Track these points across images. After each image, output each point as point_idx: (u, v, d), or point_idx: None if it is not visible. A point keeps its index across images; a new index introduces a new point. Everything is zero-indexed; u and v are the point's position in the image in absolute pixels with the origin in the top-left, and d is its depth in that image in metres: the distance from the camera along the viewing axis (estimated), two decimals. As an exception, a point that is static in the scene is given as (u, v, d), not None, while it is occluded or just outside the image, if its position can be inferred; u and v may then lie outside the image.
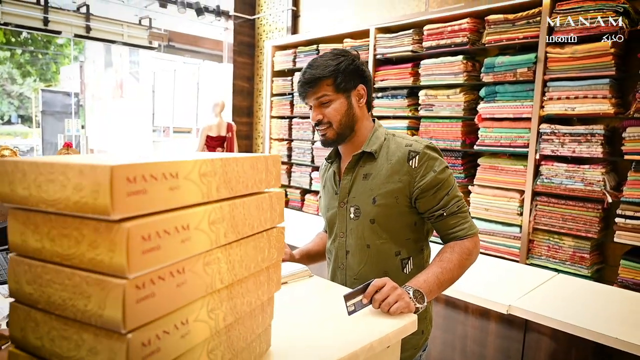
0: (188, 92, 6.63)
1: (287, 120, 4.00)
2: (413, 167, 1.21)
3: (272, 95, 4.13)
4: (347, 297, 1.00)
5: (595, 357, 1.66)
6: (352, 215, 1.28)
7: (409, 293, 1.08)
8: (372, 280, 1.06)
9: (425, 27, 2.93)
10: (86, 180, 0.48)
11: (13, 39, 12.54)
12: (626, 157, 2.22)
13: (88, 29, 4.47)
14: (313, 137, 3.76)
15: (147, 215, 0.50)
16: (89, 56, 9.60)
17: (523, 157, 2.58)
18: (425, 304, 1.10)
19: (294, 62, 3.89)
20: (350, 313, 0.99)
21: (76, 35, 4.52)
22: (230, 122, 4.29)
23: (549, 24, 2.39)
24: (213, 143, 4.19)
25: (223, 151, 4.25)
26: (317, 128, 1.27)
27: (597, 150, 2.30)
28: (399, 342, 1.01)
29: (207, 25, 4.57)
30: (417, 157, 1.22)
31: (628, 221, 2.21)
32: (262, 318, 0.75)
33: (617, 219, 2.24)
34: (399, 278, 1.23)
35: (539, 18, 2.43)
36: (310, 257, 1.49)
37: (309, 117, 3.74)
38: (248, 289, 0.68)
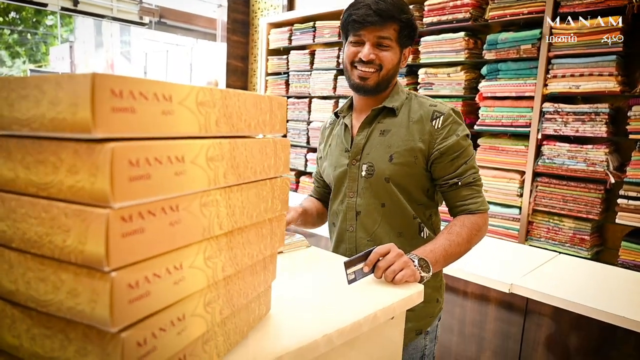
0: (181, 73, 6.50)
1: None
2: (436, 127, 1.16)
3: (267, 74, 4.03)
4: (347, 265, 0.93)
5: (599, 336, 1.63)
6: (364, 173, 1.21)
7: (413, 261, 1.01)
8: (374, 247, 0.99)
9: (427, 3, 2.85)
10: (63, 93, 0.41)
11: (1, 19, 12.23)
12: (631, 136, 2.17)
13: (75, 2, 4.32)
14: (309, 117, 3.68)
15: (135, 139, 0.43)
16: (79, 36, 9.37)
17: (524, 137, 2.52)
18: (430, 274, 1.03)
19: (290, 40, 3.79)
20: (350, 282, 0.92)
21: (63, 9, 4.36)
22: (224, 101, 4.19)
23: (555, -2, 2.32)
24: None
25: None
26: (361, 68, 1.17)
27: (601, 130, 2.25)
28: (403, 313, 0.95)
29: (200, 2, 4.44)
30: (441, 118, 1.17)
31: (630, 202, 2.17)
32: (263, 275, 0.68)
33: (619, 200, 2.20)
34: (416, 241, 1.19)
35: (544, -8, 2.36)
36: (305, 218, 1.37)
37: (304, 97, 3.71)
38: (249, 239, 0.62)
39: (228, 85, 4.34)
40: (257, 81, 4.28)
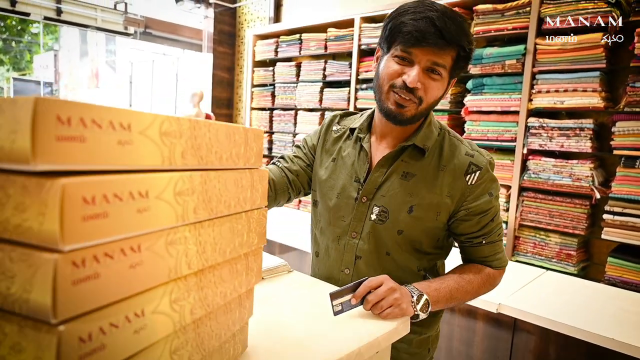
0: (167, 83, 6.43)
1: (268, 112, 3.88)
2: (469, 183, 1.00)
3: (253, 86, 4.00)
4: (334, 296, 0.88)
5: (588, 358, 1.60)
6: (373, 217, 1.04)
7: (412, 295, 0.94)
8: (365, 278, 0.93)
9: (413, 18, 2.85)
10: (4, 118, 0.36)
11: (-16, 27, 12.02)
12: (615, 152, 2.17)
13: (59, 11, 4.24)
14: (295, 130, 3.64)
15: (88, 174, 0.39)
16: (64, 45, 9.25)
17: (510, 151, 2.52)
18: (427, 314, 0.95)
19: (276, 52, 3.77)
20: (336, 313, 0.87)
21: (46, 18, 4.28)
22: (209, 112, 4.14)
23: (539, 14, 2.33)
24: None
25: (201, 143, 4.09)
26: (402, 94, 0.95)
27: (585, 145, 2.26)
28: (388, 347, 0.90)
29: (186, 13, 4.41)
30: (477, 174, 1.00)
31: (616, 218, 2.17)
32: (239, 313, 0.63)
33: (605, 216, 2.20)
34: None
35: (529, 9, 2.38)
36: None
37: (290, 109, 3.69)
38: (222, 277, 0.57)
39: (214, 97, 4.30)
40: (243, 92, 4.25)
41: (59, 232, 0.36)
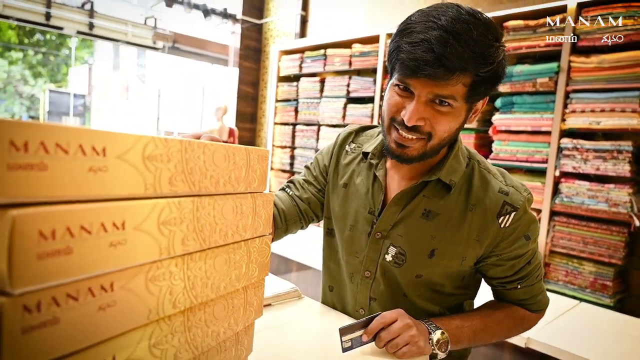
0: (194, 96, 6.52)
1: (291, 127, 3.85)
2: (503, 226, 0.86)
3: (277, 100, 3.99)
4: (343, 331, 0.79)
5: (626, 400, 1.47)
6: (389, 258, 0.92)
7: (431, 332, 0.84)
8: (378, 313, 0.84)
9: (440, 34, 2.79)
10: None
11: (26, 40, 12.57)
12: (656, 177, 2.04)
13: (91, 26, 4.35)
14: (317, 145, 3.60)
15: (50, 204, 0.34)
16: (98, 58, 9.56)
17: (541, 173, 2.40)
18: (446, 354, 0.85)
19: (300, 67, 3.75)
20: (344, 350, 0.79)
21: (79, 32, 4.41)
22: (232, 127, 4.15)
23: (574, 31, 2.23)
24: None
25: (224, 157, 4.10)
26: (402, 132, 0.81)
27: (624, 169, 2.12)
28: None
29: (214, 28, 4.46)
30: (512, 215, 0.86)
31: (657, 247, 2.01)
32: (235, 352, 0.57)
33: (644, 244, 2.05)
34: None
35: (563, 25, 2.27)
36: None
37: (313, 125, 3.65)
38: (215, 315, 0.51)
39: (238, 111, 4.32)
40: (267, 107, 4.25)
41: (6, 273, 0.31)
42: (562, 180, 2.31)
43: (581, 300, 2.17)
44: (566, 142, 2.27)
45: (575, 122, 2.24)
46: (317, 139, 3.59)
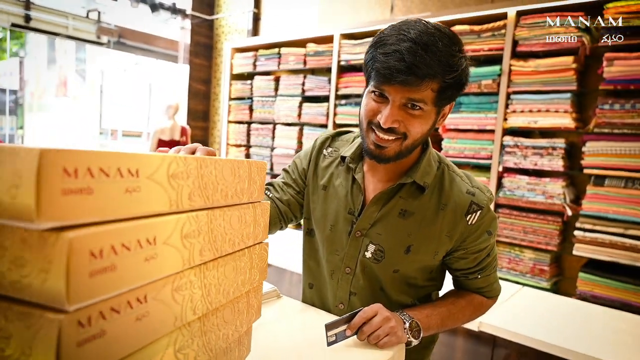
0: (139, 93, 6.29)
1: (246, 125, 3.85)
2: (470, 223, 0.96)
3: (231, 99, 3.96)
4: (329, 327, 0.86)
5: (565, 372, 1.63)
6: (368, 254, 1.00)
7: (405, 322, 0.93)
8: (360, 309, 0.91)
9: (391, 36, 2.90)
10: (2, 169, 0.34)
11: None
12: (585, 171, 2.25)
13: (27, 18, 4.09)
14: (273, 144, 3.62)
15: (95, 225, 0.37)
16: (29, 51, 8.94)
17: (486, 169, 2.57)
18: (419, 340, 0.94)
19: (254, 65, 3.75)
20: (329, 344, 0.86)
21: (14, 25, 4.12)
22: (184, 125, 4.07)
23: (513, 37, 2.41)
24: (166, 147, 3.94)
25: (176, 156, 4.01)
26: (379, 134, 0.89)
27: (557, 164, 2.33)
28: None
29: (162, 23, 4.34)
30: (478, 213, 0.96)
31: (587, 234, 2.23)
32: (238, 353, 0.61)
33: (576, 232, 2.26)
34: None
35: (504, 31, 2.45)
36: None
37: (269, 123, 3.66)
38: (225, 319, 0.55)
39: (189, 108, 4.24)
40: (220, 105, 4.20)
41: (64, 291, 0.33)
42: (505, 175, 2.50)
43: (523, 284, 2.37)
44: (508, 139, 2.46)
45: (516, 121, 2.43)
46: (273, 138, 3.62)
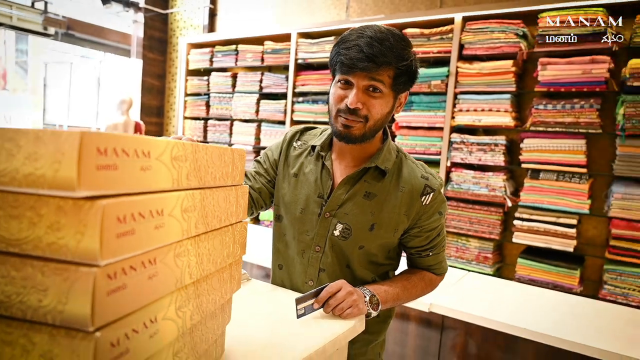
0: (87, 87, 6.06)
1: (203, 121, 3.85)
2: (424, 204, 1.09)
3: (187, 94, 3.94)
4: (298, 301, 0.96)
5: (505, 347, 1.81)
6: (337, 233, 1.11)
7: (365, 296, 1.04)
8: (326, 284, 1.01)
9: (346, 36, 3.01)
10: (44, 149, 0.40)
11: None
12: (523, 165, 2.47)
13: (-34, 7, 3.86)
14: (230, 140, 3.65)
15: (119, 196, 0.43)
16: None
17: (436, 164, 2.75)
18: (378, 312, 1.06)
19: (211, 61, 3.76)
20: (299, 316, 0.95)
21: (-48, 13, 3.87)
22: (138, 121, 4.01)
23: (460, 40, 2.59)
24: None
25: (130, 151, 3.94)
26: (345, 116, 1.02)
27: (499, 159, 2.54)
28: (346, 344, 0.99)
29: (113, 16, 4.24)
30: (431, 195, 1.10)
31: (524, 223, 2.45)
32: (222, 319, 0.69)
33: (515, 222, 2.48)
34: None
35: (451, 35, 2.63)
36: None
37: (226, 119, 3.69)
38: (213, 286, 0.62)
39: (143, 104, 4.17)
40: (176, 101, 4.17)
41: (98, 249, 0.40)
42: (453, 169, 2.68)
43: (469, 271, 2.56)
44: (455, 136, 2.64)
45: (462, 119, 2.62)
46: (231, 134, 3.65)
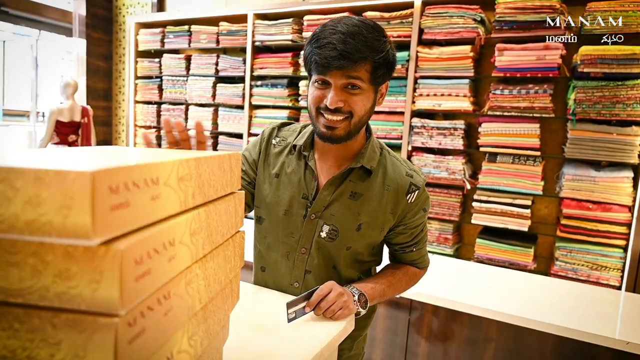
0: (22, 68, 5.59)
1: (155, 105, 3.67)
2: (409, 202, 1.09)
3: (137, 77, 3.74)
4: (289, 305, 0.94)
5: (470, 326, 1.90)
6: (323, 234, 1.09)
7: (354, 295, 1.05)
8: (316, 287, 1.01)
9: (305, 18, 2.95)
10: (48, 192, 0.35)
11: None
12: (481, 149, 2.55)
13: None
14: (186, 125, 3.51)
15: (130, 234, 0.40)
16: None
17: (397, 148, 2.78)
18: (367, 309, 1.07)
19: (162, 42, 3.57)
20: (289, 320, 0.94)
21: None
22: (85, 105, 3.76)
23: (419, 25, 2.61)
24: (65, 130, 3.61)
25: (77, 139, 3.71)
26: (328, 116, 0.99)
27: (458, 143, 2.61)
28: (337, 347, 1.00)
29: (50, -10, 3.91)
30: (416, 193, 1.09)
31: (482, 205, 2.55)
32: (222, 335, 0.66)
33: (474, 203, 2.58)
34: None
35: (411, 19, 2.63)
36: None
37: (181, 103, 3.54)
38: (217, 305, 0.60)
39: (88, 87, 3.92)
40: (125, 84, 3.94)
41: (118, 298, 0.37)
42: (414, 153, 2.73)
43: (431, 253, 2.65)
44: (416, 121, 2.68)
45: (422, 104, 2.65)
46: (186, 119, 3.51)
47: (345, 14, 2.79)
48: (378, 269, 1.28)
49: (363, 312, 1.05)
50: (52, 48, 5.27)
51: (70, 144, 3.68)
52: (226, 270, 0.61)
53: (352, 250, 1.11)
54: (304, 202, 1.10)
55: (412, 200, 1.10)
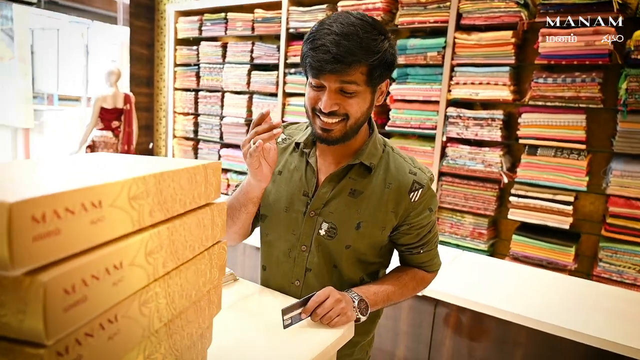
0: (75, 55, 5.87)
1: (193, 93, 3.74)
2: (412, 200, 1.05)
3: (176, 65, 3.82)
4: (285, 311, 0.93)
5: (498, 329, 1.82)
6: (322, 232, 1.07)
7: (354, 301, 1.02)
8: (312, 293, 0.99)
9: (339, 4, 2.88)
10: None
11: None
12: (520, 141, 2.42)
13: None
14: (222, 112, 3.56)
15: (65, 261, 0.39)
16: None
17: (431, 138, 2.69)
18: (367, 316, 1.04)
19: (200, 30, 3.62)
20: (285, 327, 0.93)
21: None
22: (127, 92, 3.89)
23: (458, 9, 2.48)
24: (108, 116, 3.77)
25: (120, 125, 3.86)
26: (324, 118, 0.97)
27: (496, 134, 2.48)
28: (335, 353, 0.98)
29: (97, -19, 4.04)
30: (420, 191, 1.05)
31: (520, 200, 2.43)
32: (200, 345, 0.66)
33: (511, 198, 2.45)
34: None
35: (449, 3, 2.51)
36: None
37: (217, 91, 3.58)
38: (188, 319, 0.59)
39: (132, 74, 4.04)
40: (165, 71, 4.04)
41: (43, 330, 0.36)
42: (448, 144, 2.63)
43: (463, 247, 2.56)
44: (451, 110, 2.57)
45: (459, 93, 2.54)
46: (222, 106, 3.55)
47: (379, 2, 2.69)
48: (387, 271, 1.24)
49: (363, 318, 1.02)
50: (101, 36, 5.48)
51: (114, 130, 3.84)
52: (198, 284, 0.60)
53: (352, 250, 1.08)
54: (305, 199, 1.09)
55: (416, 199, 1.06)
